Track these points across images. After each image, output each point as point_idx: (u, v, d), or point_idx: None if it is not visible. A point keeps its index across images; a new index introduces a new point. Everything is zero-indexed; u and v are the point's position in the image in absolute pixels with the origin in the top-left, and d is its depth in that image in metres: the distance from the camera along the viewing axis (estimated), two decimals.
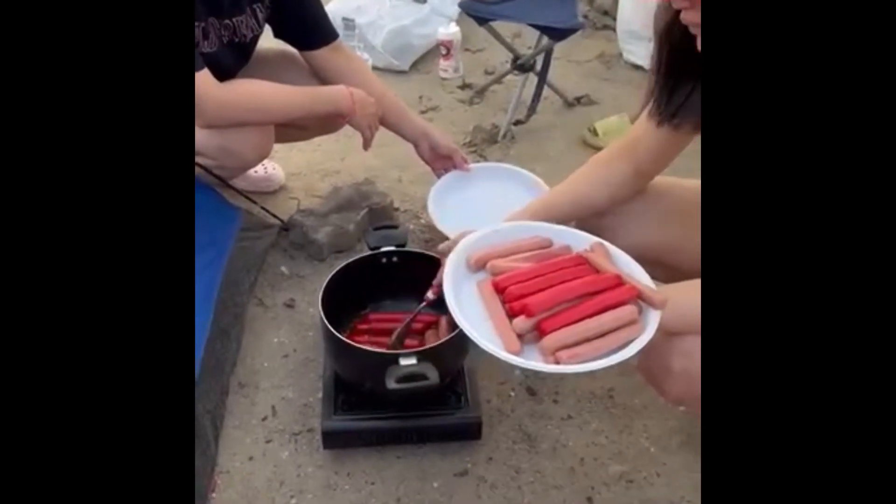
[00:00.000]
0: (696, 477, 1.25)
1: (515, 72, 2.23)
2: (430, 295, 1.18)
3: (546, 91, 2.29)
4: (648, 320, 0.92)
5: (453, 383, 1.33)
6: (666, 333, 0.98)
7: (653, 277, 1.03)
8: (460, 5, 2.19)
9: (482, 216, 1.30)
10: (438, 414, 1.30)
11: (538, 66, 2.20)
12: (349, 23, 2.54)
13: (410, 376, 1.17)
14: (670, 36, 1.02)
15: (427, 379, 1.17)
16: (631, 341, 0.90)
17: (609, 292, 0.94)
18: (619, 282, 0.95)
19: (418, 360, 1.19)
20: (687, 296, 0.98)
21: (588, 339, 0.90)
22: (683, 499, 1.23)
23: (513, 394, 1.42)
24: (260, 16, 1.59)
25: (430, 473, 1.27)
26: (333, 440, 1.29)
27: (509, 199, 1.37)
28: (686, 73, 1.04)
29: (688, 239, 1.20)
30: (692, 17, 0.90)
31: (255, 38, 1.63)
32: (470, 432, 1.31)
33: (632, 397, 1.39)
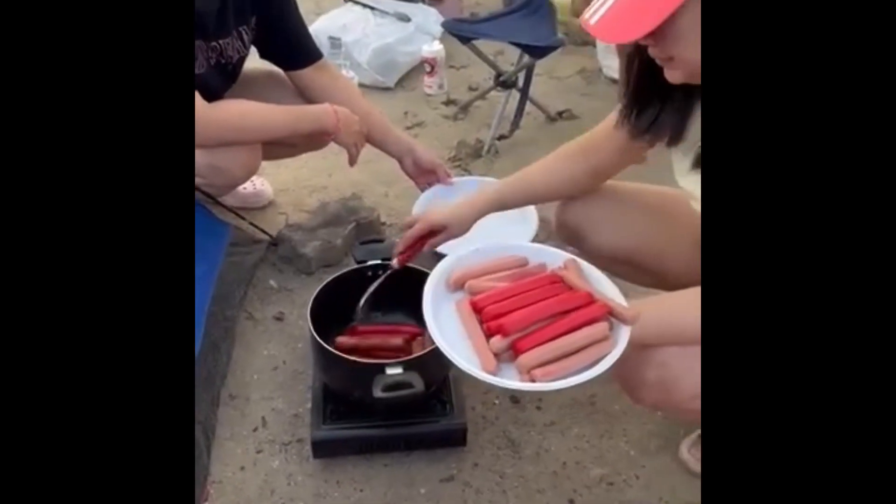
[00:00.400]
0: (674, 479, 1.30)
1: (498, 88, 2.28)
2: (394, 263, 1.26)
3: (529, 106, 2.34)
4: (619, 336, 0.96)
5: (439, 392, 1.37)
6: (639, 345, 1.02)
7: (621, 276, 1.07)
8: (443, 25, 2.25)
9: None
10: (424, 422, 1.34)
11: (520, 83, 2.25)
12: (335, 41, 2.59)
13: (397, 385, 1.21)
14: (636, 60, 1.06)
15: (413, 387, 1.21)
16: (603, 357, 0.94)
17: (581, 310, 0.97)
18: (590, 299, 0.98)
19: (404, 370, 1.23)
20: (656, 310, 1.03)
21: (561, 357, 0.94)
22: (661, 500, 1.27)
23: (497, 402, 1.46)
24: (245, 38, 1.64)
25: (417, 480, 1.30)
26: (323, 449, 1.32)
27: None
28: (653, 96, 1.07)
29: (655, 241, 1.27)
30: (657, 53, 0.95)
31: (242, 60, 1.67)
32: (455, 439, 1.35)
33: (612, 403, 1.43)
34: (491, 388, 1.42)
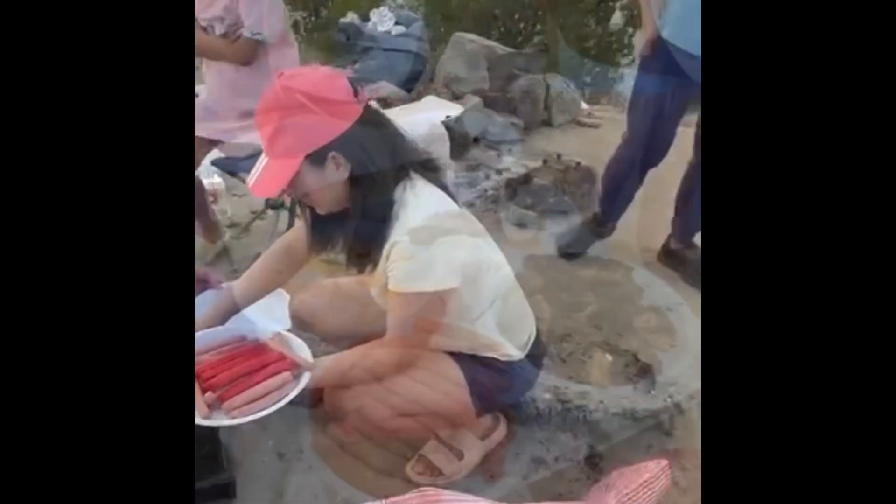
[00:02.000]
0: (403, 491, 1.68)
1: (269, 210, 2.70)
2: None
3: (297, 221, 2.76)
4: (301, 381, 1.40)
5: (211, 454, 1.67)
6: (337, 386, 1.46)
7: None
8: (213, 163, 2.67)
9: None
10: (199, 480, 1.62)
11: (288, 203, 2.68)
12: None
13: None
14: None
15: None
16: (286, 396, 1.37)
17: (272, 365, 1.41)
18: (281, 357, 1.42)
19: None
20: (336, 361, 1.48)
21: (255, 399, 1.36)
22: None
23: (266, 460, 1.78)
24: None
25: None
26: None
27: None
28: (320, 223, 1.48)
29: (357, 318, 1.70)
30: (299, 198, 1.41)
31: None
32: (227, 493, 1.65)
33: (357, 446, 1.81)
34: (260, 440, 1.78)
